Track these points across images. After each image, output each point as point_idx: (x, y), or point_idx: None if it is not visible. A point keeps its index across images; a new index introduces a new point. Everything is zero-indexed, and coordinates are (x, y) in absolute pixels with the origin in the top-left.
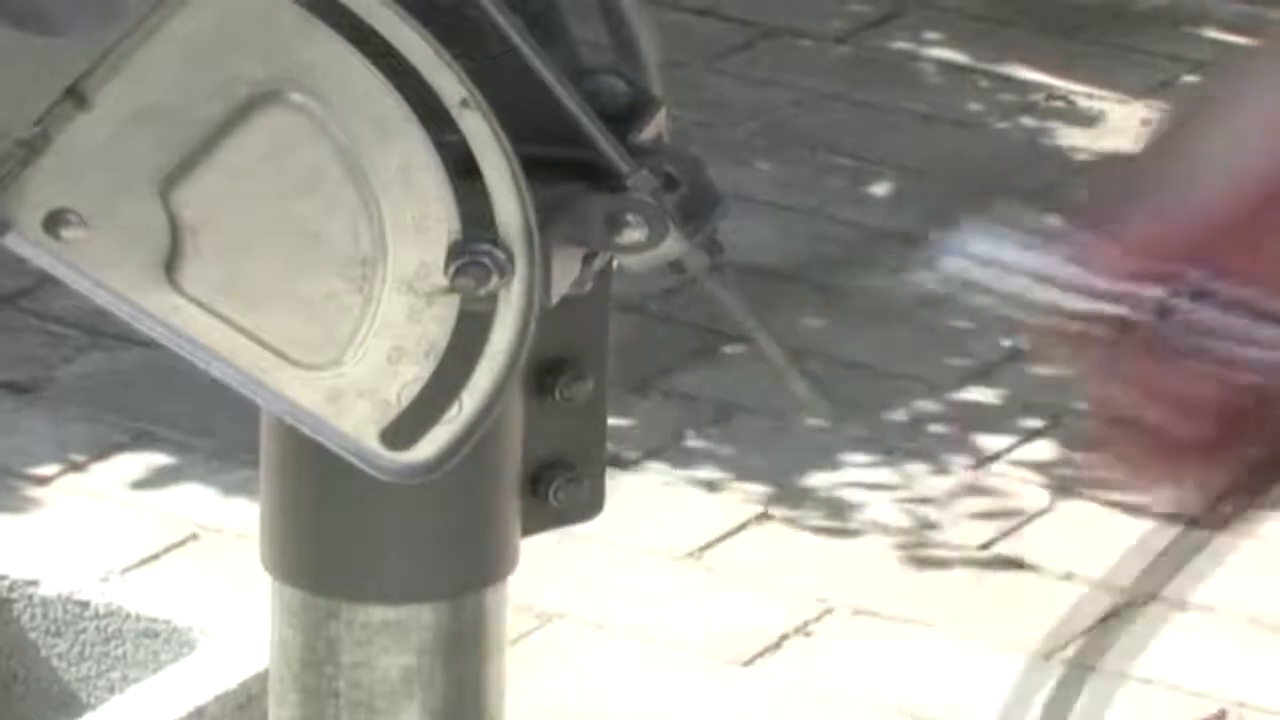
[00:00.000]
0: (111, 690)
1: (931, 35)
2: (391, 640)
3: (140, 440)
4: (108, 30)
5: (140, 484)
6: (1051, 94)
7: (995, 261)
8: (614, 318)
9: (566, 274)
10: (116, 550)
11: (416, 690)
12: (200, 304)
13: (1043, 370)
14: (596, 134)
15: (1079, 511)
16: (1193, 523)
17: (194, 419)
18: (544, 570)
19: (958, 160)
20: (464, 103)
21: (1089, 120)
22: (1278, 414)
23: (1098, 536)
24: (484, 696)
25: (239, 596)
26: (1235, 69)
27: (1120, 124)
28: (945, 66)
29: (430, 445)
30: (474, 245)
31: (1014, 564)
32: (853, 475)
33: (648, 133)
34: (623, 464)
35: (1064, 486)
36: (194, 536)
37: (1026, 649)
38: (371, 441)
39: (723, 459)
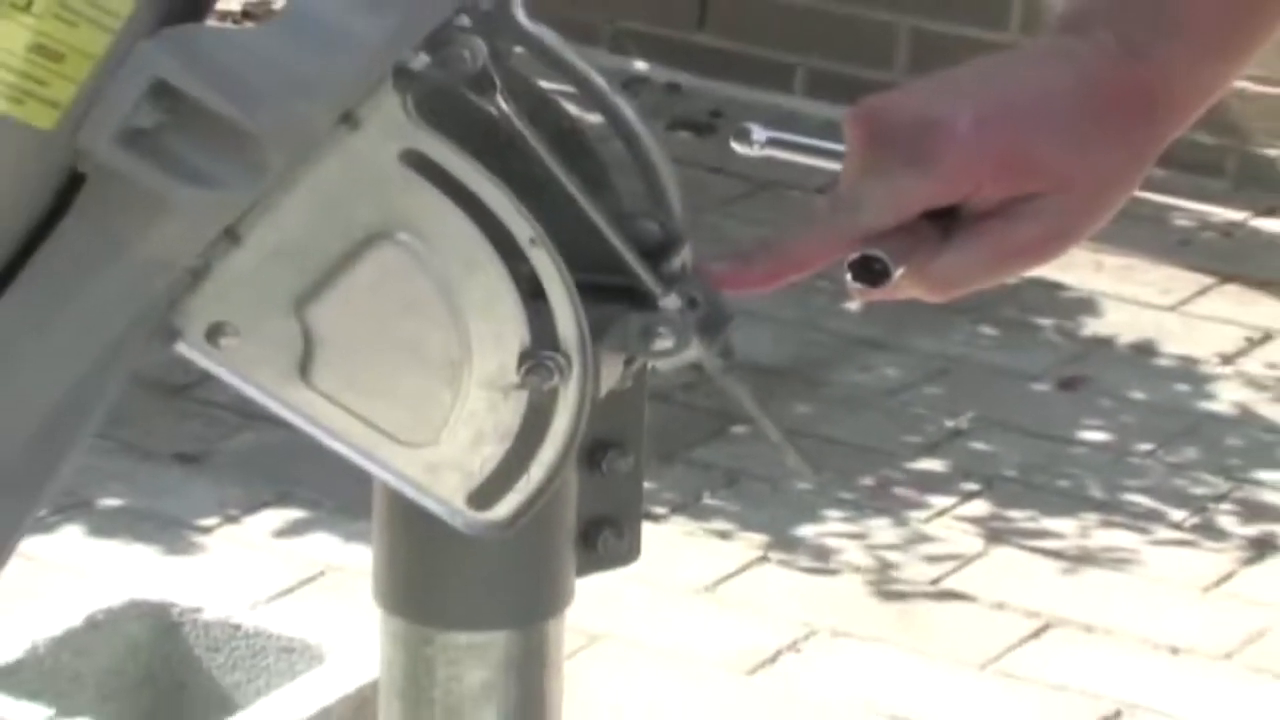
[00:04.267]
0: (258, 694)
1: None
2: (475, 659)
3: (282, 499)
4: (257, 184)
5: (281, 533)
6: None
7: (788, 142)
8: (649, 406)
9: (612, 373)
10: (262, 584)
11: (494, 698)
12: (327, 397)
13: (979, 446)
14: (635, 265)
15: (1007, 555)
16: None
17: (323, 483)
18: (594, 601)
19: None
20: (533, 241)
21: None
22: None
23: (1021, 574)
24: (546, 703)
25: (357, 621)
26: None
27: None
28: None
29: (506, 507)
30: (540, 352)
31: (957, 596)
32: (833, 527)
33: (675, 263)
34: (654, 518)
35: (995, 535)
36: (322, 574)
37: (967, 662)
38: (460, 504)
39: (731, 514)
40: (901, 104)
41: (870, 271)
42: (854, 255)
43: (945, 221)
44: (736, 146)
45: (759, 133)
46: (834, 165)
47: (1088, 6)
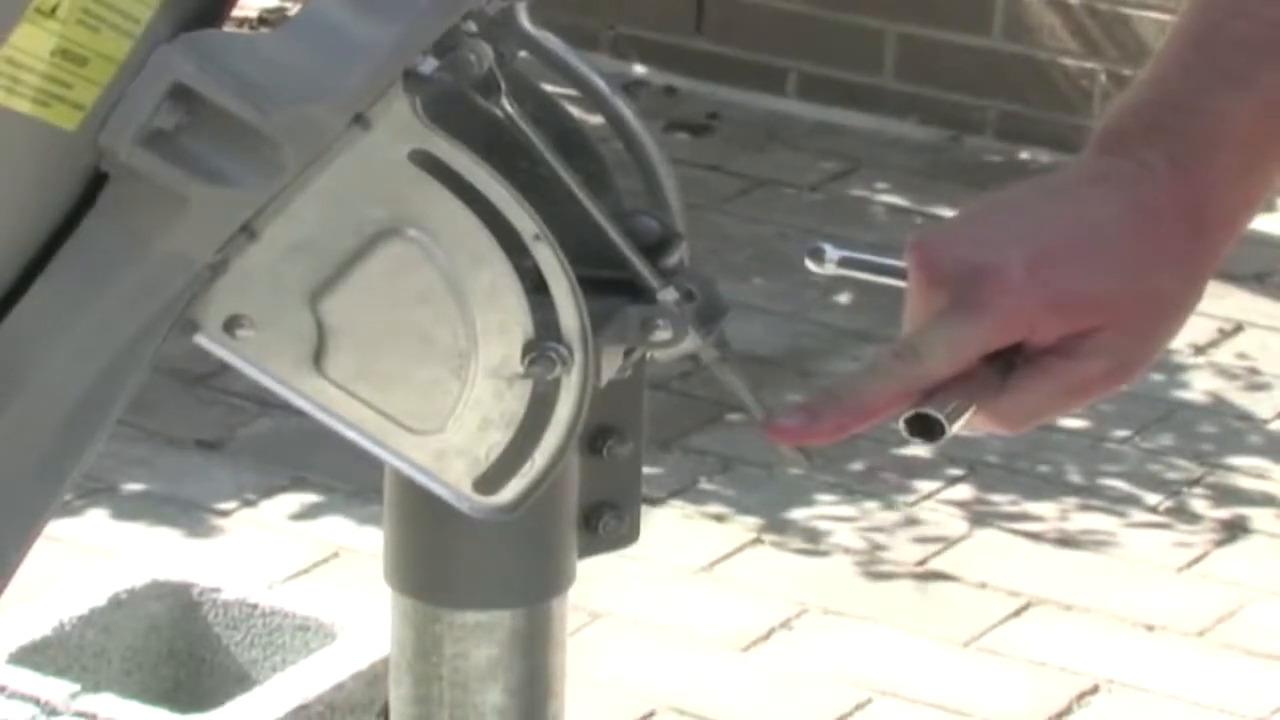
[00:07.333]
0: (274, 670)
1: (881, 185)
2: (481, 637)
3: (297, 484)
4: (273, 183)
5: (297, 516)
6: None
7: (858, 261)
8: (647, 394)
9: (612, 363)
10: (278, 565)
11: (500, 674)
12: (340, 386)
13: (963, 432)
14: (635, 260)
15: (990, 537)
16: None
17: (336, 468)
18: (595, 581)
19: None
20: (536, 237)
21: None
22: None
23: (1004, 555)
24: (550, 678)
25: (369, 601)
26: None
27: None
28: (891, 208)
29: (511, 491)
30: (544, 343)
31: (942, 576)
32: (823, 510)
33: (673, 259)
34: (653, 502)
35: (979, 518)
36: (336, 555)
37: (952, 639)
38: (466, 489)
39: (726, 498)
40: (953, 244)
41: (926, 427)
42: (909, 413)
43: (1008, 356)
44: (811, 264)
45: (832, 252)
46: (903, 283)
47: (1128, 124)
